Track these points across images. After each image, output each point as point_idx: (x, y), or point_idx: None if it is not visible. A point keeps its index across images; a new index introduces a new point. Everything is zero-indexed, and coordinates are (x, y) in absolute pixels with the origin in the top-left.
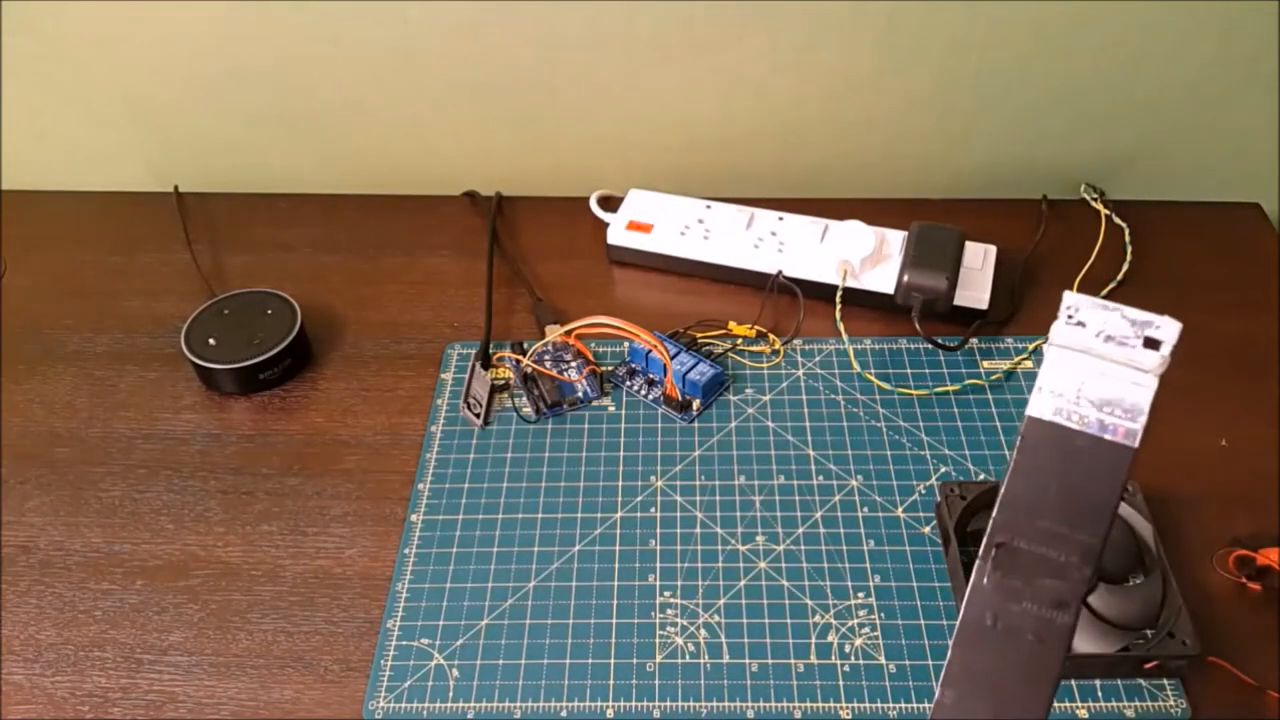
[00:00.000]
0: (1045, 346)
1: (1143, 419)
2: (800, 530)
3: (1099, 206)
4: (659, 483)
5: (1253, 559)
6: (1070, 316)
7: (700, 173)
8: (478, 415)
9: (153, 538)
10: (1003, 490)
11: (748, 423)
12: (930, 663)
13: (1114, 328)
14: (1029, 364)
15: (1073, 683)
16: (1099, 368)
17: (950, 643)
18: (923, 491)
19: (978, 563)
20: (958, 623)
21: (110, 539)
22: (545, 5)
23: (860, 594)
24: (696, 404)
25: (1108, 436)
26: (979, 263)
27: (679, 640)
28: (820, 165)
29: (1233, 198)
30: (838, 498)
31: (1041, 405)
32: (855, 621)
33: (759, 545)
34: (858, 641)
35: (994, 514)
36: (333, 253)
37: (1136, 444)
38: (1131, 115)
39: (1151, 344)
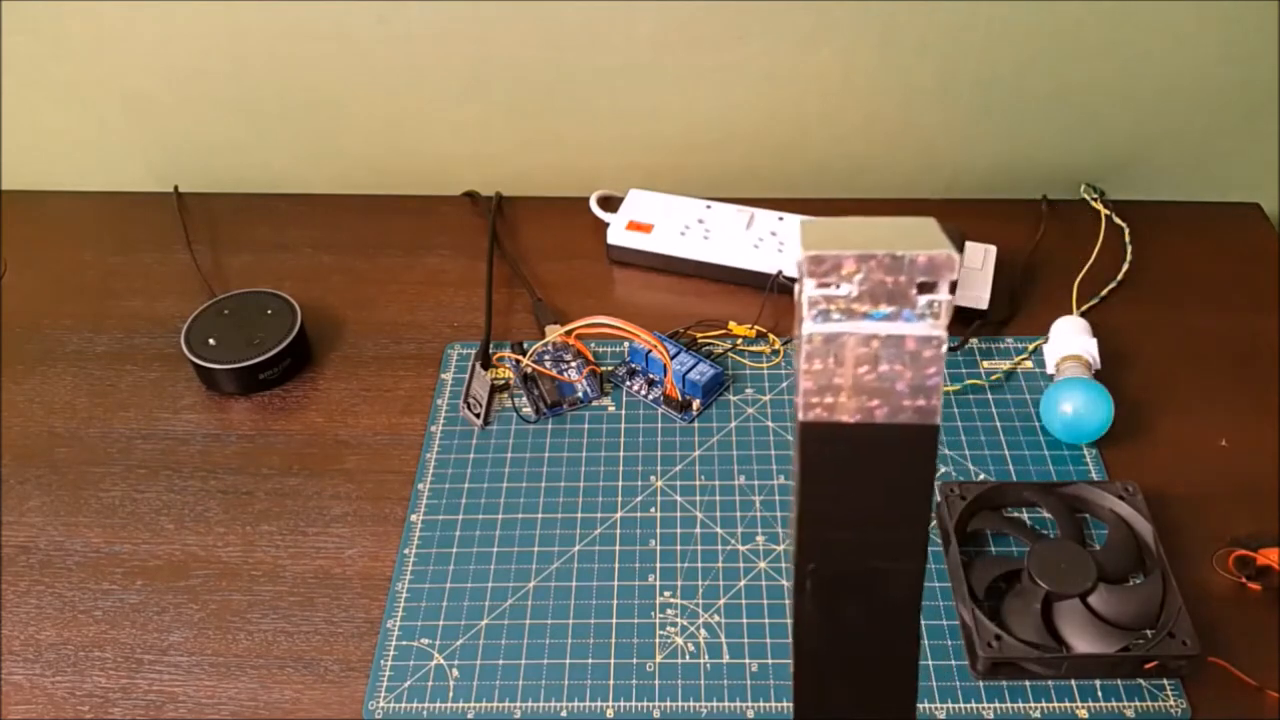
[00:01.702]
0: (797, 336)
1: (938, 390)
2: None
3: (1099, 206)
4: (659, 483)
5: (1253, 559)
6: (819, 276)
7: (700, 173)
8: (478, 415)
9: (153, 538)
10: (797, 508)
11: (748, 423)
12: (930, 663)
13: (876, 284)
14: (1029, 364)
15: (1073, 683)
16: (869, 330)
17: (792, 683)
18: None
19: (794, 598)
20: (794, 660)
21: (110, 539)
22: (545, 5)
23: None
24: (696, 404)
25: (901, 420)
26: (979, 263)
27: (679, 640)
28: (820, 165)
29: (1233, 198)
30: None
31: (810, 404)
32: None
33: (759, 545)
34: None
35: (794, 535)
36: (333, 253)
37: (937, 420)
38: (1131, 115)
39: (926, 288)
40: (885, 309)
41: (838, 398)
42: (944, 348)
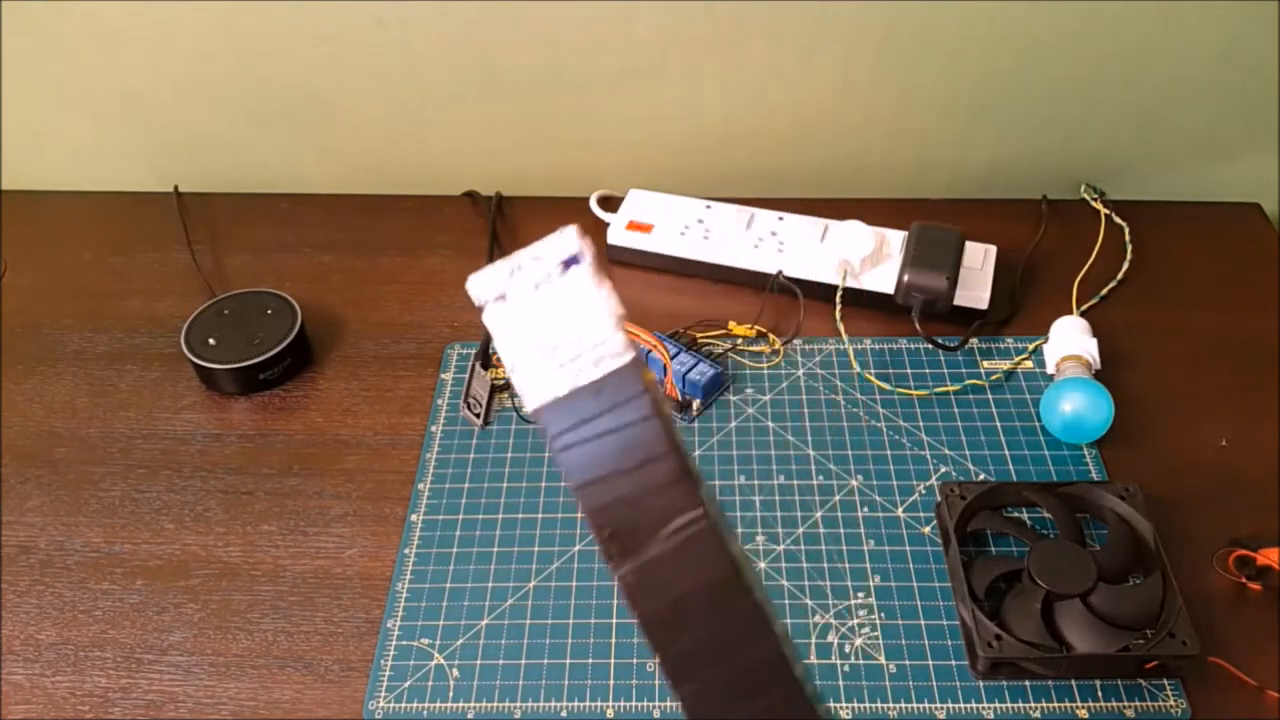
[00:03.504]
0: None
1: (615, 331)
2: (800, 530)
3: (1099, 206)
4: None
5: (1253, 559)
6: (495, 299)
7: (700, 173)
8: (478, 415)
9: (153, 538)
10: (570, 486)
11: (748, 423)
12: (930, 663)
13: (535, 278)
14: (1029, 364)
15: (1073, 683)
16: (549, 322)
17: (651, 651)
18: (923, 491)
19: (609, 568)
20: (640, 628)
21: (110, 539)
22: (545, 5)
23: (860, 594)
24: (696, 404)
25: (603, 372)
26: (979, 263)
27: None
28: (821, 165)
29: (1233, 198)
30: (838, 498)
31: (531, 398)
32: (855, 621)
33: (759, 545)
34: (858, 641)
35: (579, 506)
36: (333, 253)
37: (631, 353)
38: (1132, 115)
39: (572, 262)
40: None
41: (544, 375)
42: (601, 290)
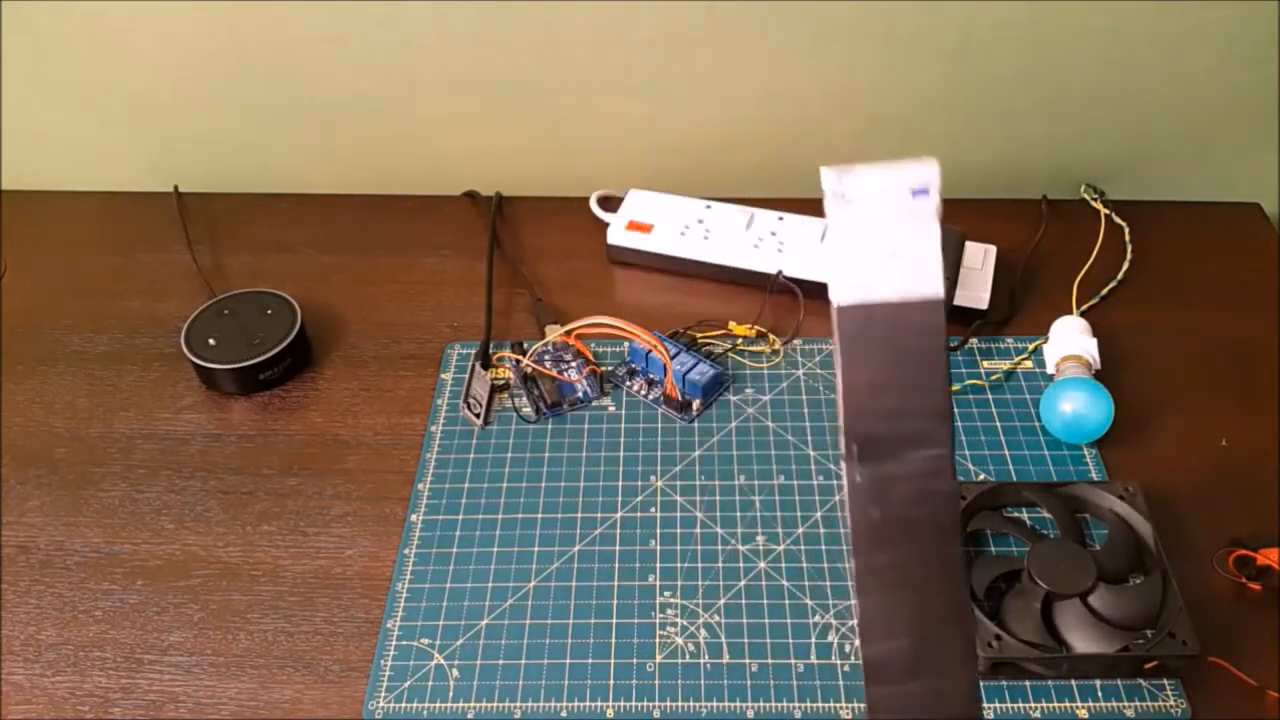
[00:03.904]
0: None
1: (938, 266)
2: (800, 530)
3: (1099, 206)
4: (659, 483)
5: (1253, 559)
6: (839, 197)
7: (700, 173)
8: (478, 415)
9: (153, 538)
10: (840, 387)
11: (748, 423)
12: None
13: (880, 192)
14: (1029, 364)
15: (1073, 683)
16: (881, 234)
17: (850, 552)
18: None
19: (844, 465)
20: (850, 530)
21: (110, 539)
22: (545, 5)
23: None
24: (696, 404)
25: (915, 297)
26: (979, 263)
27: (679, 640)
28: (821, 165)
29: (1233, 198)
30: (838, 498)
31: (842, 292)
32: (855, 621)
33: (759, 545)
34: (858, 641)
35: (840, 412)
36: (333, 253)
37: (942, 292)
38: (1132, 115)
39: (921, 193)
40: (891, 207)
41: (865, 283)
42: (938, 234)
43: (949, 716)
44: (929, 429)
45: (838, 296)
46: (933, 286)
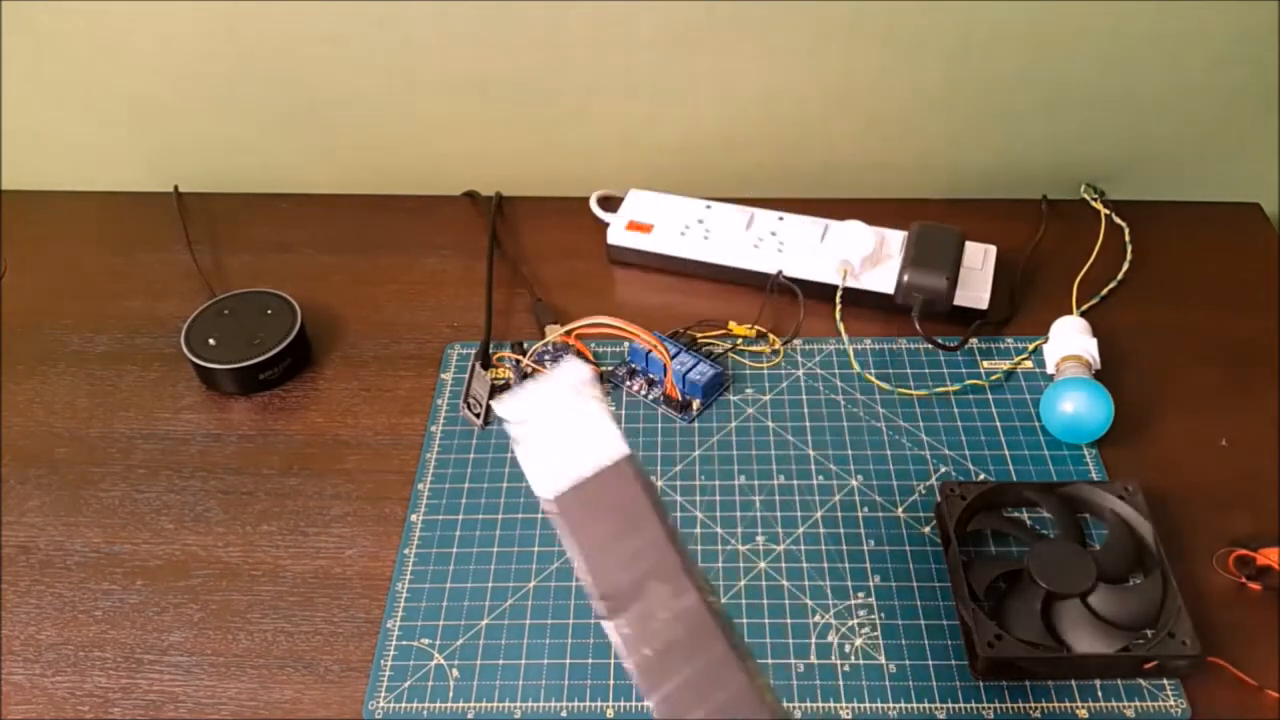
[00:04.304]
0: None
1: (614, 431)
2: (800, 530)
3: (1099, 206)
4: (659, 483)
5: (1253, 559)
6: (520, 426)
7: (700, 173)
8: (478, 415)
9: (153, 538)
10: (579, 560)
11: (748, 423)
12: (930, 663)
13: (548, 400)
14: (1029, 364)
15: (1073, 683)
16: (559, 431)
17: (643, 694)
18: (923, 491)
19: (606, 627)
20: (634, 678)
21: (110, 539)
22: (545, 5)
23: (860, 594)
24: (696, 404)
25: (605, 463)
26: (979, 263)
27: None
28: (821, 165)
29: (1233, 198)
30: (838, 498)
31: (547, 488)
32: (855, 621)
33: (759, 545)
34: (858, 641)
35: (587, 582)
36: (333, 253)
37: (626, 450)
38: (1132, 115)
39: (582, 386)
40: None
41: (558, 473)
42: (600, 403)
43: None
44: (658, 559)
45: (544, 493)
46: (615, 450)
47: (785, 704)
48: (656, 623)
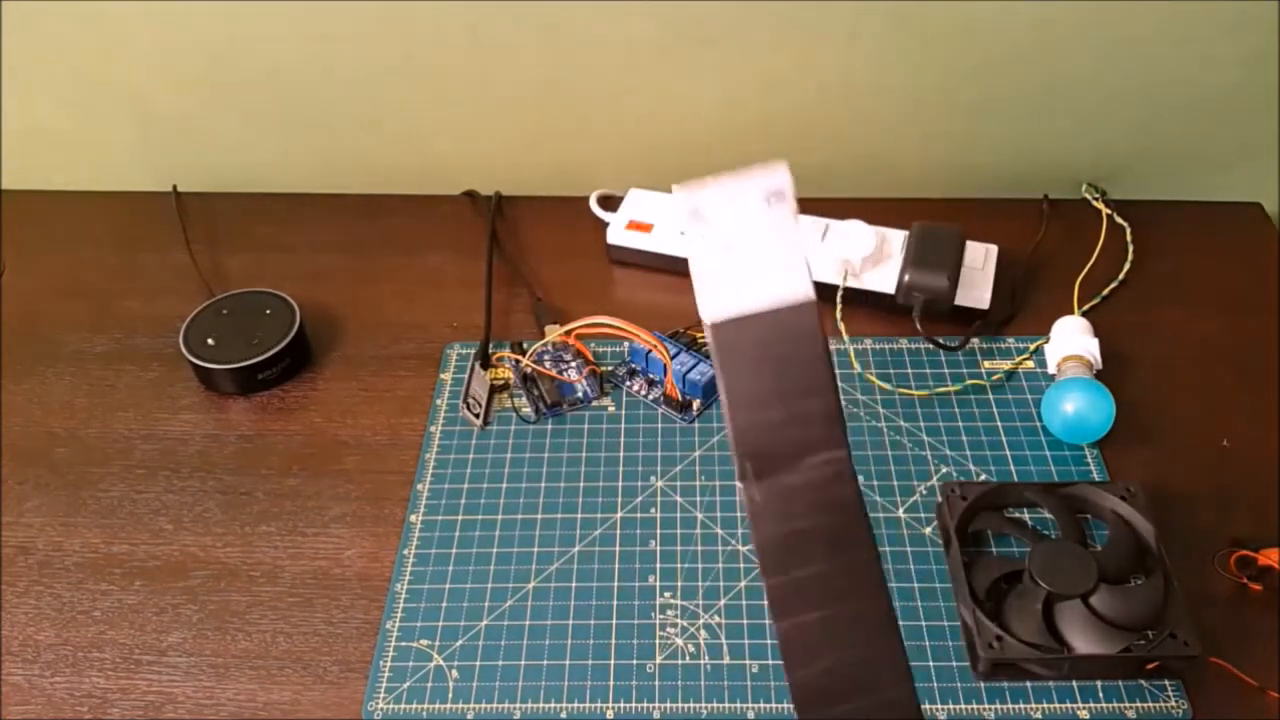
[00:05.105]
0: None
1: (803, 268)
2: None
3: (1100, 206)
4: (659, 483)
5: (1254, 559)
6: (695, 214)
7: (700, 172)
8: (477, 415)
9: (151, 538)
10: (726, 405)
11: None
12: (931, 663)
13: (735, 203)
14: (1030, 364)
15: (1074, 683)
16: (743, 245)
17: (762, 575)
18: (923, 491)
19: (739, 485)
20: (757, 552)
21: (109, 539)
22: (546, 5)
23: None
24: (697, 404)
25: (785, 303)
26: (980, 262)
27: (679, 641)
28: (821, 165)
29: (1233, 198)
30: None
31: (711, 309)
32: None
33: None
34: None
35: (729, 432)
36: (332, 253)
37: (812, 295)
38: (1133, 115)
39: (776, 198)
40: (750, 218)
41: (732, 295)
42: (798, 237)
43: None
44: (821, 434)
45: (707, 314)
46: (801, 290)
47: (787, 704)
48: (800, 504)
